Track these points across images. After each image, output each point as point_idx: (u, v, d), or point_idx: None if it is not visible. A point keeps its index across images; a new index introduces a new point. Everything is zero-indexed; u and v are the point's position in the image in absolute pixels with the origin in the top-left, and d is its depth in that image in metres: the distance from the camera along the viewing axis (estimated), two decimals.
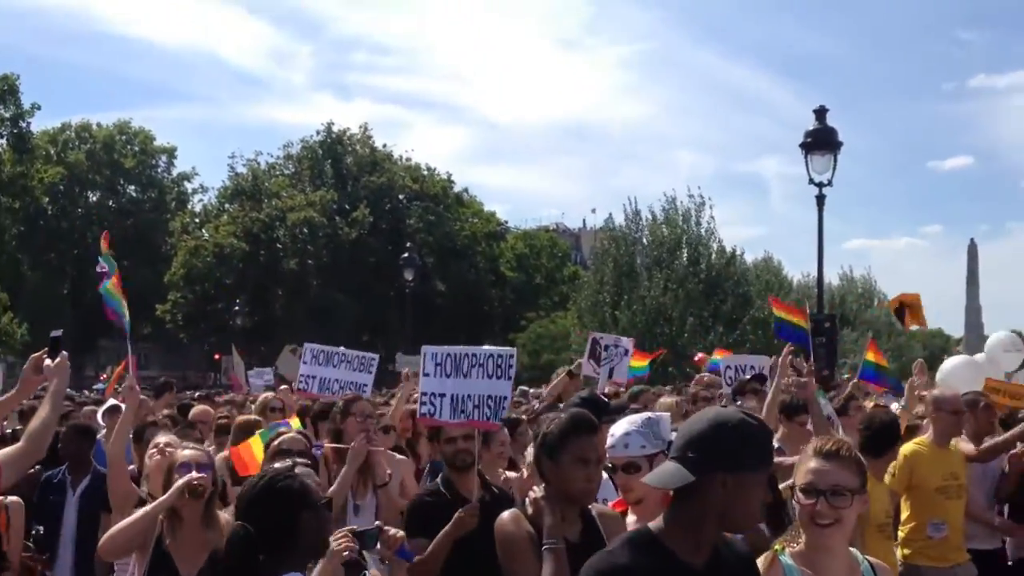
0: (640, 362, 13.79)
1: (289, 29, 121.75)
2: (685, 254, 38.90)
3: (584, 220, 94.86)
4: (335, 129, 56.24)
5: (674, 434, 4.09)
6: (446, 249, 54.32)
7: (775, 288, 42.72)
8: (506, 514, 3.94)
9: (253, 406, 9.44)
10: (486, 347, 5.60)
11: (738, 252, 41.93)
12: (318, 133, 56.48)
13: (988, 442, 7.38)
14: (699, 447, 2.66)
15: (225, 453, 6.50)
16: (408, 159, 57.20)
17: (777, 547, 3.20)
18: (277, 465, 3.69)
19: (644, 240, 41.01)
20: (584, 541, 3.76)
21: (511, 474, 6.17)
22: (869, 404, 9.03)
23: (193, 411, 8.83)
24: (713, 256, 39.73)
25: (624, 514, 4.22)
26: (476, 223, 58.04)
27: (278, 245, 52.86)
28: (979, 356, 10.62)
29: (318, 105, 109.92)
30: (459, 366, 5.44)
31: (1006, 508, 7.54)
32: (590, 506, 3.97)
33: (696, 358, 13.30)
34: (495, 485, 5.41)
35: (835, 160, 16.49)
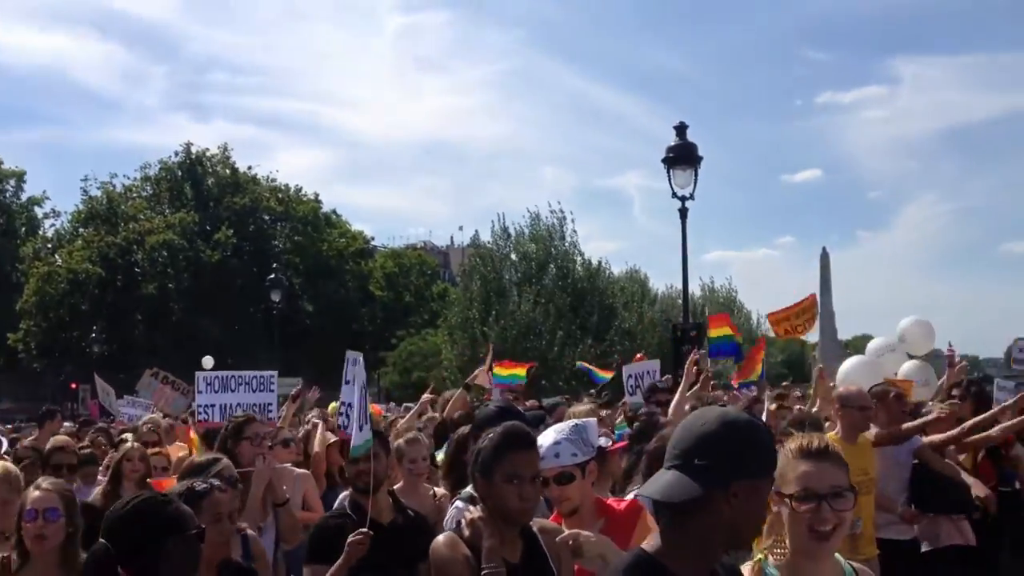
0: (515, 370, 13.84)
1: (141, 50, 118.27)
2: (553, 269, 39.42)
3: (452, 238, 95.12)
4: (194, 150, 54.91)
5: (603, 440, 4.25)
6: (313, 269, 53.60)
7: (640, 300, 43.69)
8: (441, 538, 3.66)
9: (130, 435, 9.04)
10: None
11: (603, 265, 42.83)
12: (176, 154, 55.06)
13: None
14: (708, 453, 2.27)
15: (98, 490, 6.29)
16: (273, 180, 56.28)
17: (759, 556, 2.90)
18: (175, 487, 3.64)
19: (512, 256, 41.39)
20: (527, 562, 3.57)
21: (439, 490, 6.00)
22: (772, 407, 9.30)
23: (52, 442, 8.33)
24: (579, 270, 40.40)
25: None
26: (343, 243, 57.46)
27: (136, 269, 51.18)
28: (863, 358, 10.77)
29: (174, 126, 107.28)
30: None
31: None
32: (531, 522, 3.71)
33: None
34: (410, 507, 5.19)
35: (696, 174, 16.95)
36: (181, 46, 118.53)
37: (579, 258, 41.10)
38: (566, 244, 40.69)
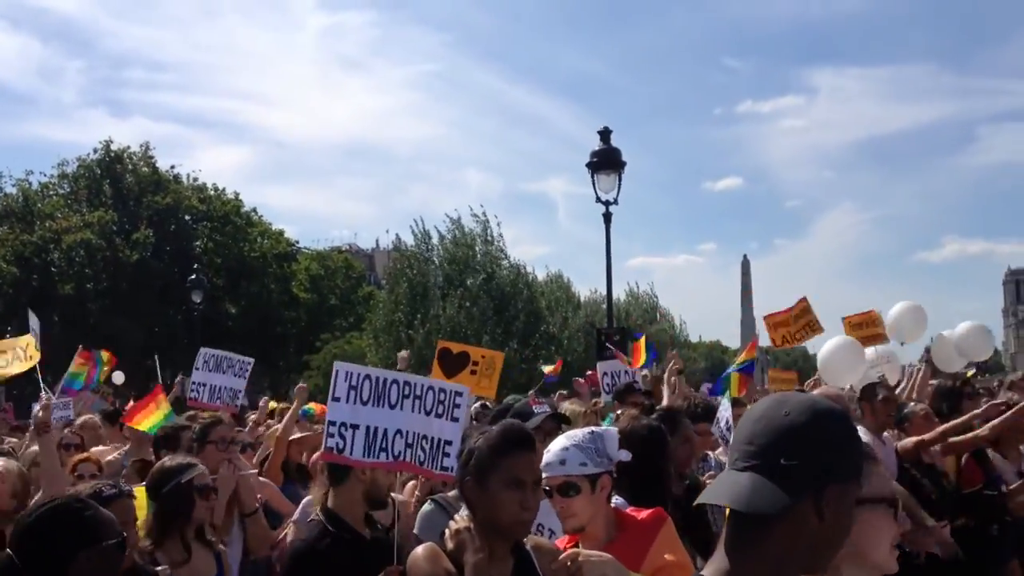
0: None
1: (56, 44, 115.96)
2: (479, 273, 39.46)
3: (377, 240, 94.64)
4: (114, 148, 53.71)
5: (623, 453, 3.68)
6: (236, 270, 52.81)
7: (564, 304, 43.95)
8: (420, 550, 3.22)
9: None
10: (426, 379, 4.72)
11: (528, 269, 43.02)
12: (95, 152, 53.79)
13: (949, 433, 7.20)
14: (797, 450, 1.84)
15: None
16: (195, 179, 55.33)
17: None
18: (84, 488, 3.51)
19: (436, 259, 41.33)
20: None
21: (398, 496, 5.52)
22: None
23: None
24: (505, 274, 40.50)
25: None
26: (266, 244, 56.70)
27: (53, 269, 49.90)
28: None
29: (92, 122, 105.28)
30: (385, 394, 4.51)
31: None
32: (524, 539, 3.24)
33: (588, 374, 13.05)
34: (375, 519, 4.70)
35: (620, 179, 17.15)
36: (97, 41, 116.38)
37: (505, 262, 41.22)
38: (492, 248, 40.77)
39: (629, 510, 3.79)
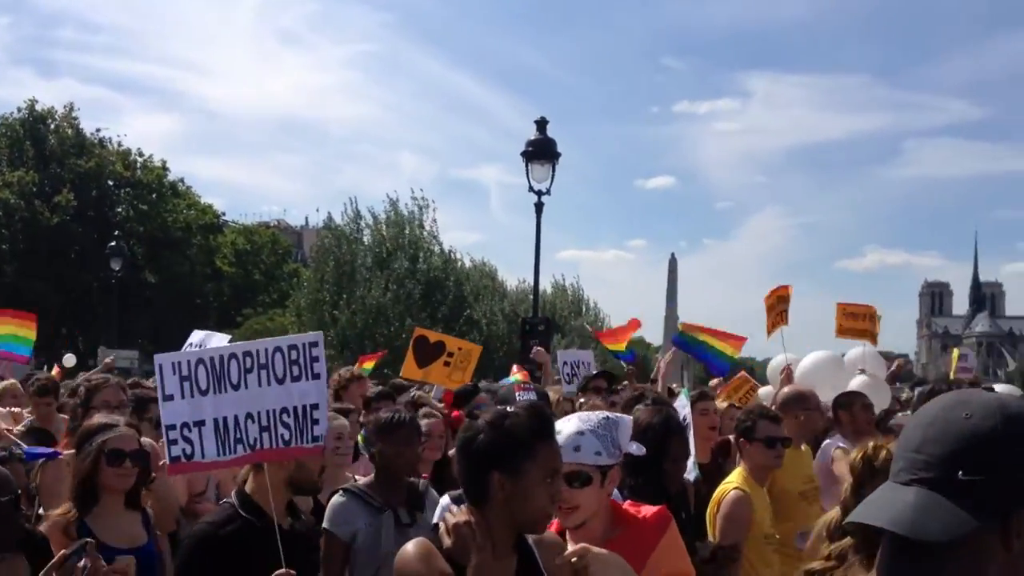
0: (368, 364, 13.76)
1: None
2: (407, 256, 39.24)
3: (307, 218, 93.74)
4: (38, 108, 52.19)
5: (635, 446, 3.38)
6: (158, 240, 51.72)
7: (490, 292, 43.96)
8: (411, 548, 2.78)
9: None
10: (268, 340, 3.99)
11: (457, 255, 42.93)
12: (19, 111, 52.21)
13: None
14: (984, 463, 1.46)
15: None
16: (120, 144, 54.01)
17: None
18: None
19: (366, 240, 41.02)
20: None
21: (359, 478, 5.30)
22: (723, 404, 8.77)
23: None
24: (435, 259, 40.38)
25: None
26: (192, 215, 55.67)
27: None
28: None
29: (18, 81, 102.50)
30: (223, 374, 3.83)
31: None
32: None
33: None
34: (297, 507, 4.20)
35: (554, 170, 17.13)
36: None
37: (436, 247, 41.10)
38: (425, 232, 40.61)
39: (626, 504, 3.47)
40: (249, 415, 3.80)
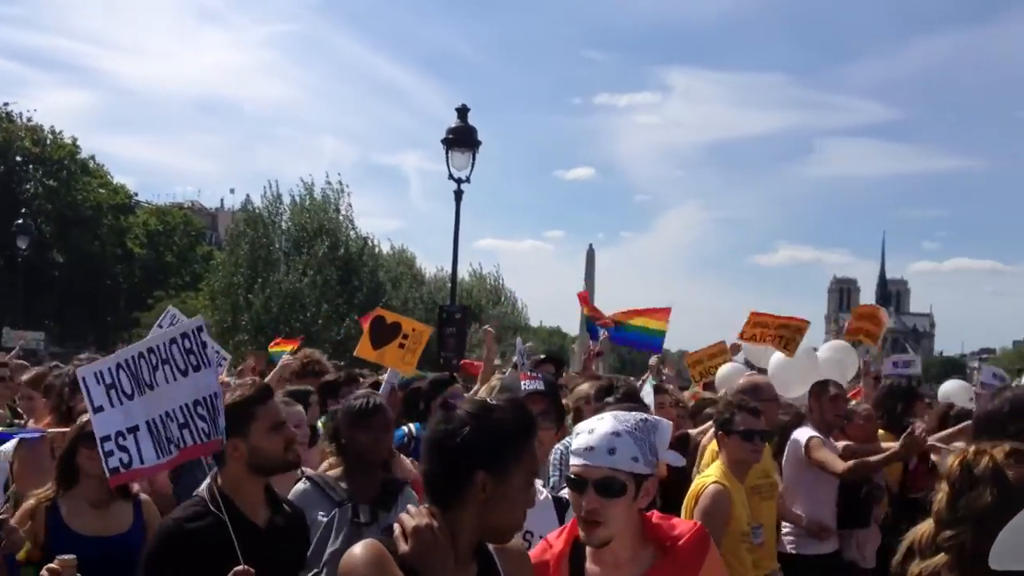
0: (285, 347, 13.57)
1: None
2: (326, 241, 38.84)
3: (222, 200, 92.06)
4: None
5: (673, 455, 3.02)
6: (67, 218, 50.32)
7: (408, 280, 43.81)
8: (359, 552, 2.40)
9: None
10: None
11: (374, 241, 42.69)
12: None
13: (865, 456, 6.69)
14: None
15: None
16: (29, 119, 52.37)
17: None
18: None
19: (284, 224, 40.52)
20: None
21: (310, 472, 4.81)
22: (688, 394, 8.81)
23: None
24: (351, 245, 40.06)
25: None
26: (103, 194, 54.29)
27: None
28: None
29: None
30: (138, 376, 3.63)
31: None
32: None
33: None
34: (283, 499, 3.96)
35: (474, 158, 17.10)
36: None
37: (352, 233, 40.77)
38: (340, 217, 40.24)
39: (655, 518, 2.97)
40: (168, 414, 3.62)
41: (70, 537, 4.06)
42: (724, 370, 9.60)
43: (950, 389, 10.52)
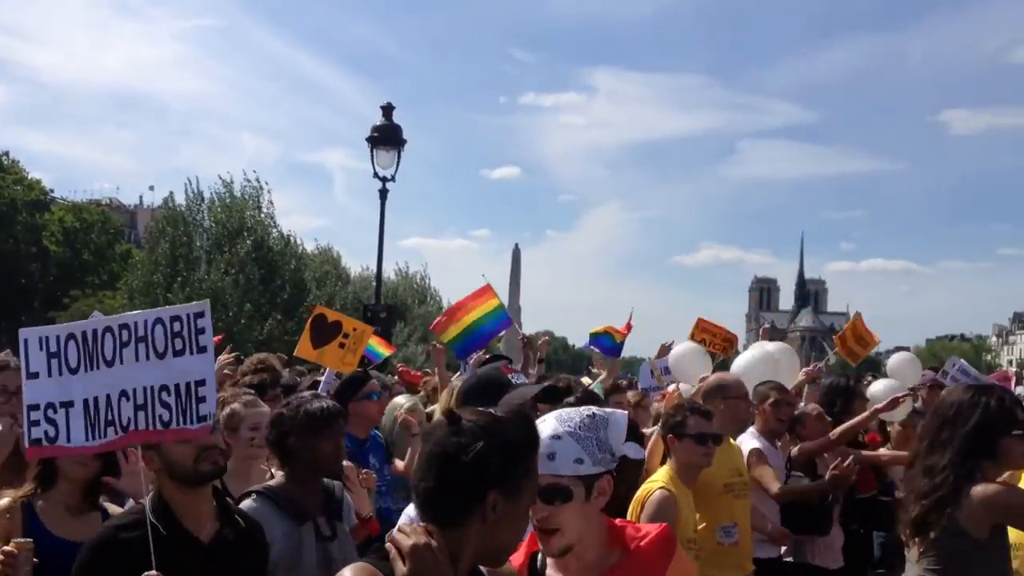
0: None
1: None
2: (248, 239, 38.36)
3: (141, 197, 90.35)
4: None
5: (630, 447, 2.85)
6: None
7: (333, 278, 43.49)
8: (350, 573, 2.22)
9: None
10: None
11: (298, 240, 42.33)
12: None
13: (796, 480, 6.72)
14: None
15: None
16: None
17: None
18: None
19: (205, 222, 39.93)
20: None
21: (280, 473, 4.34)
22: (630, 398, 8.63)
23: None
24: (274, 243, 39.67)
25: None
26: (17, 190, 52.90)
27: None
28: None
29: None
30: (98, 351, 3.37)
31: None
32: None
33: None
34: (238, 511, 3.66)
35: (399, 156, 17.09)
36: None
37: (275, 231, 40.36)
38: (262, 215, 39.81)
39: (619, 521, 2.87)
40: (124, 393, 3.37)
41: (46, 538, 3.90)
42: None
43: (878, 391, 10.77)
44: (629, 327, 10.18)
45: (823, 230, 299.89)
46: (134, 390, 3.36)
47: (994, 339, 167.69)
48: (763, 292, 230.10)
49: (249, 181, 39.93)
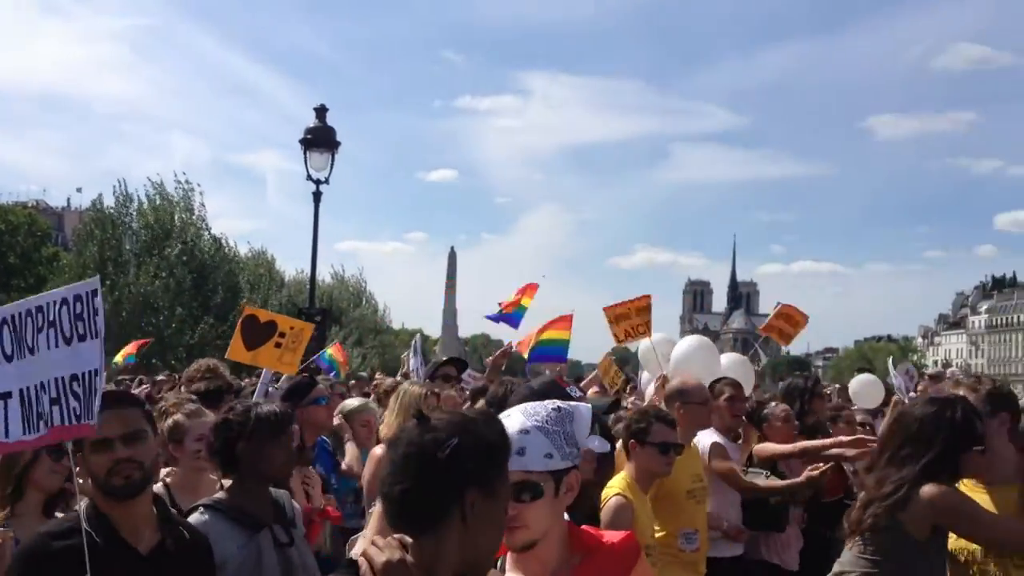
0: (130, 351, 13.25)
1: None
2: (178, 243, 37.81)
3: (68, 199, 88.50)
4: None
5: (596, 440, 2.82)
6: None
7: (268, 282, 43.04)
8: None
9: None
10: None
11: (230, 243, 41.84)
12: None
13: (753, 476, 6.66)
14: None
15: None
16: None
17: None
18: None
19: (134, 225, 39.27)
20: None
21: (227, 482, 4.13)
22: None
23: None
24: (205, 246, 39.16)
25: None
26: None
27: None
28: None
29: None
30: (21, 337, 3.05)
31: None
32: None
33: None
34: (182, 522, 3.51)
35: (333, 159, 16.97)
36: None
37: (206, 234, 39.83)
38: (194, 217, 39.26)
39: (586, 527, 2.81)
40: (42, 384, 3.04)
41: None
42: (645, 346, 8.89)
43: (859, 387, 11.03)
44: (566, 319, 10.00)
45: (755, 233, 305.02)
46: (48, 381, 3.04)
47: (920, 340, 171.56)
48: (696, 294, 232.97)
49: (180, 183, 39.41)
